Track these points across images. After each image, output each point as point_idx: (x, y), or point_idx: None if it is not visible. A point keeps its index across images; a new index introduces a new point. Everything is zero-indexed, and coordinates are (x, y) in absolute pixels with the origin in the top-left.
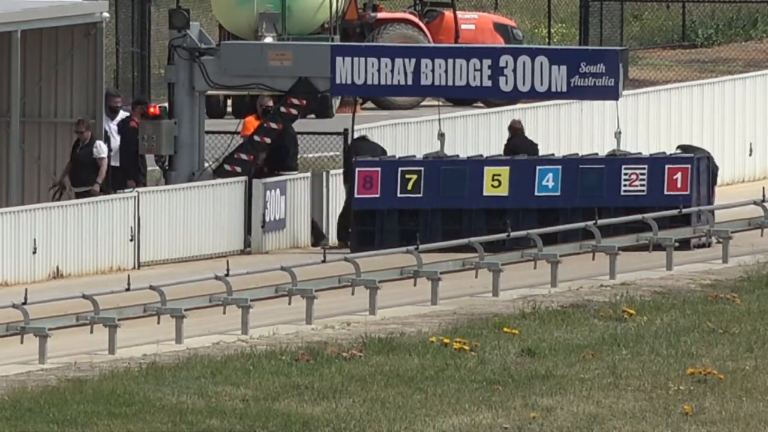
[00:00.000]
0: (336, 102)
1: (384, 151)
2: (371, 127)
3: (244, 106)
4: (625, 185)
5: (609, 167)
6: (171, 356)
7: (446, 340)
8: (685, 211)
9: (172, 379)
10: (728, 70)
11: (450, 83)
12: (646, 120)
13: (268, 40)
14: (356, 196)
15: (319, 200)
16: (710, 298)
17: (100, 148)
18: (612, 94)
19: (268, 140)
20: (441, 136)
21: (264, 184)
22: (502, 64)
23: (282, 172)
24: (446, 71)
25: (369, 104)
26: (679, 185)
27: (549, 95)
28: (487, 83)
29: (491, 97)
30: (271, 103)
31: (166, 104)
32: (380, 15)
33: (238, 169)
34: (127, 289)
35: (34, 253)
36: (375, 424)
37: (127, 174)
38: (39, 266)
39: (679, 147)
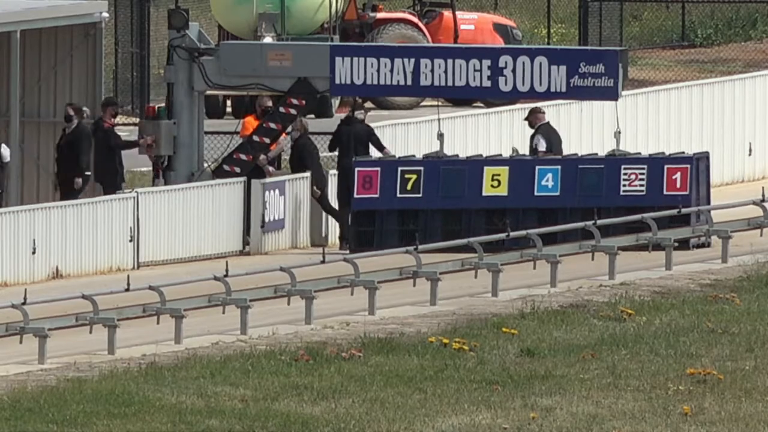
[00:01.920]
0: (335, 102)
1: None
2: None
3: (244, 106)
4: (624, 185)
5: (608, 167)
6: (170, 356)
7: (445, 341)
8: (684, 211)
9: (172, 379)
10: (727, 70)
11: (449, 83)
12: (646, 120)
13: (268, 40)
14: (356, 196)
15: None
16: (710, 298)
17: (3, 153)
18: (611, 94)
19: (267, 140)
20: (440, 136)
21: (263, 184)
22: (501, 64)
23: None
24: (446, 71)
25: (368, 104)
26: (678, 185)
27: (548, 95)
28: (487, 83)
29: (491, 97)
30: (270, 104)
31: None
32: (380, 15)
33: (237, 169)
34: (127, 290)
35: (34, 253)
36: (374, 424)
37: (103, 176)
38: (38, 266)
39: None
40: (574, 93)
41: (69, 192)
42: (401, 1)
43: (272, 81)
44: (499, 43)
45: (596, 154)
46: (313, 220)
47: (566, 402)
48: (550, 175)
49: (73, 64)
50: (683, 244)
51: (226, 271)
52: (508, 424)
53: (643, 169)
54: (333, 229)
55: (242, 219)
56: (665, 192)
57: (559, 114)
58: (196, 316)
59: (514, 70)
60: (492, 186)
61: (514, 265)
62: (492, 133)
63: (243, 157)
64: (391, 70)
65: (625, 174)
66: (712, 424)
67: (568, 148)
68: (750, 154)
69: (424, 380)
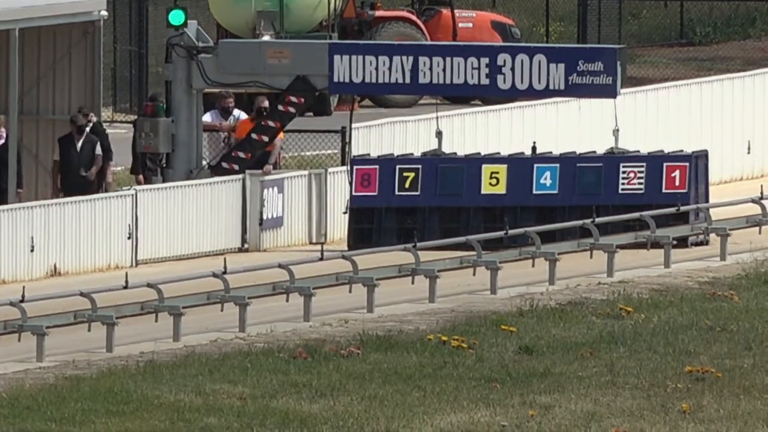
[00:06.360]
0: (334, 100)
1: None
2: (369, 125)
3: (242, 104)
4: (623, 183)
5: (607, 165)
6: (169, 354)
7: (444, 338)
8: (683, 208)
9: (170, 376)
10: (726, 68)
11: (448, 81)
12: (644, 118)
13: (266, 38)
14: (354, 193)
15: (317, 198)
16: (708, 296)
17: None
18: (610, 92)
19: (265, 138)
20: (439, 134)
21: (261, 182)
22: (499, 62)
23: None
24: (444, 69)
25: (367, 102)
26: (677, 183)
27: (547, 93)
28: (485, 81)
29: (489, 95)
30: (265, 104)
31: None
32: (378, 13)
33: (236, 167)
34: (125, 287)
35: (32, 251)
36: (373, 422)
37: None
38: (37, 264)
39: None
40: (572, 91)
41: None
42: None
43: (271, 79)
44: (498, 41)
45: (594, 152)
46: (312, 218)
47: (565, 400)
48: (548, 173)
49: (71, 62)
50: (682, 242)
51: (225, 268)
52: (506, 422)
53: (642, 167)
54: (331, 226)
55: (240, 216)
56: (664, 190)
57: (558, 112)
58: (194, 313)
59: (512, 68)
60: (490, 184)
61: (513, 263)
62: (490, 131)
63: (241, 154)
64: (390, 68)
65: (623, 172)
66: (710, 421)
67: (566, 146)
68: (749, 152)
69: (422, 378)
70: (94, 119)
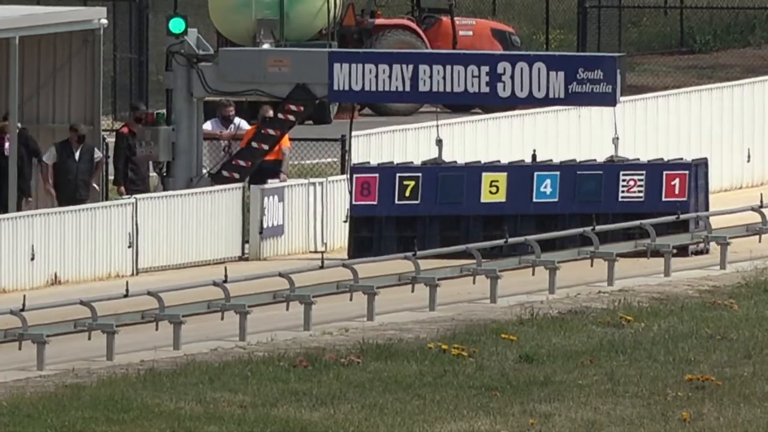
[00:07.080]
0: (334, 108)
1: None
2: (369, 133)
3: (243, 112)
4: (623, 191)
5: (607, 173)
6: (169, 362)
7: (444, 346)
8: (683, 217)
9: (170, 385)
10: (726, 76)
11: (448, 89)
12: (644, 126)
13: (266, 46)
14: (354, 202)
15: (317, 207)
16: (708, 305)
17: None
18: (609, 100)
19: (266, 147)
20: (439, 142)
21: (262, 190)
22: (500, 70)
23: None
24: (444, 77)
25: (367, 110)
26: (677, 191)
27: (547, 101)
28: (485, 89)
29: (489, 103)
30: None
31: (164, 110)
32: (378, 21)
33: (237, 175)
34: (125, 296)
35: (32, 259)
36: (373, 430)
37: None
38: (37, 273)
39: None
40: (572, 99)
41: None
42: (400, 7)
43: (271, 87)
44: (498, 49)
45: (594, 160)
46: (312, 226)
47: (565, 408)
48: (548, 182)
49: (71, 71)
50: (682, 251)
51: (225, 276)
52: (506, 430)
53: (642, 175)
54: (332, 235)
55: (241, 225)
56: (664, 198)
57: (557, 120)
58: (194, 322)
59: (512, 76)
60: (490, 192)
61: (513, 272)
62: (490, 140)
63: (242, 163)
64: (390, 76)
65: (623, 180)
66: (710, 430)
67: (566, 155)
68: (749, 161)
69: (422, 386)
70: (20, 125)
